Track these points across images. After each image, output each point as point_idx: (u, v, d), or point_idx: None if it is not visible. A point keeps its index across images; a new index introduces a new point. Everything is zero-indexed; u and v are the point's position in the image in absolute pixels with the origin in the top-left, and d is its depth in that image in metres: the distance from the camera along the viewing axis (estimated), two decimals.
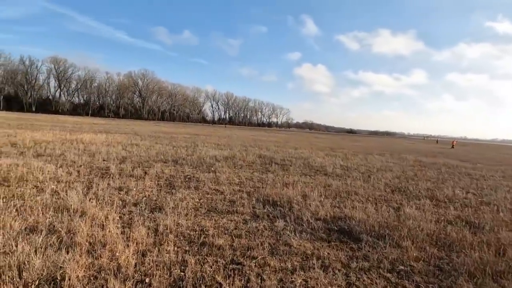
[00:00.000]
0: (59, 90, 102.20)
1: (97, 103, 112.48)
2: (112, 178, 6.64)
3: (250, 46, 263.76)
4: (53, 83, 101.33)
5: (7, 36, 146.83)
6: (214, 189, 6.45)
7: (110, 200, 4.98)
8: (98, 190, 5.49)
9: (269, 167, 10.10)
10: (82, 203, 4.57)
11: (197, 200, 5.53)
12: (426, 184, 8.90)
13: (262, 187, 6.91)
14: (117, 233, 3.54)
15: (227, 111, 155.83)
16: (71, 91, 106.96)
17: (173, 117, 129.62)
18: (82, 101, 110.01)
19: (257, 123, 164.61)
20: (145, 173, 7.56)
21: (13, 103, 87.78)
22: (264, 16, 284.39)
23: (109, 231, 3.54)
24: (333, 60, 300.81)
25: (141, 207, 4.77)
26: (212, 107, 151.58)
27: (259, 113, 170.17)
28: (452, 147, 47.09)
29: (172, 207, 4.86)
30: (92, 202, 4.73)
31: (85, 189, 5.59)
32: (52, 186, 5.55)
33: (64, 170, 7.06)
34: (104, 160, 8.99)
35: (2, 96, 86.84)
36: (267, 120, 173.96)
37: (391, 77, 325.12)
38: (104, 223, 3.87)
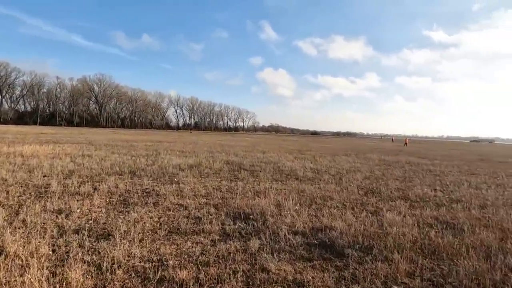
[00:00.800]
0: (0, 97, 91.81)
1: (47, 111, 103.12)
2: (51, 198, 5.55)
3: (213, 50, 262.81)
4: None
5: None
6: (176, 204, 5.67)
7: (43, 229, 4.00)
8: (28, 215, 4.44)
9: (238, 174, 9.48)
10: (1, 237, 3.56)
11: (156, 219, 4.73)
12: (395, 183, 8.91)
13: (232, 198, 6.27)
14: (41, 279, 2.67)
15: (192, 116, 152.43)
16: (15, 98, 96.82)
17: (134, 124, 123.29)
18: (29, 108, 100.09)
19: (224, 128, 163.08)
20: (95, 189, 6.52)
21: None
22: (224, 21, 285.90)
23: (30, 277, 2.67)
24: (293, 64, 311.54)
25: (83, 234, 3.87)
26: (176, 112, 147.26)
27: (225, 117, 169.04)
28: (405, 144, 50.36)
29: (124, 231, 4.03)
30: (16, 233, 3.74)
31: (11, 215, 4.51)
32: None
33: None
34: (45, 176, 7.70)
35: None
36: (234, 124, 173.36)
37: (348, 81, 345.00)
38: (29, 263, 2.97)
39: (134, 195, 6.20)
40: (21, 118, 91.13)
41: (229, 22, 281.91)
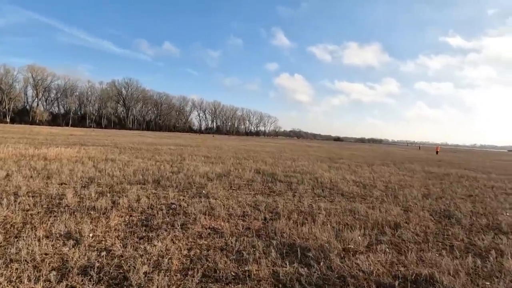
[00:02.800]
0: (36, 99, 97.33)
1: (78, 113, 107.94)
2: (62, 215, 4.63)
3: (229, 57, 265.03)
4: (30, 92, 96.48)
5: None
6: (209, 228, 4.56)
7: (40, 264, 3.02)
8: (27, 243, 3.49)
9: (273, 187, 8.29)
10: None
11: (185, 252, 3.63)
12: (466, 205, 7.30)
13: (275, 220, 5.08)
14: None
15: (215, 120, 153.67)
16: (50, 101, 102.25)
17: (159, 127, 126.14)
18: (62, 111, 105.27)
19: (245, 132, 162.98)
20: (113, 203, 5.57)
21: None
22: (238, 29, 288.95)
23: None
24: (309, 70, 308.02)
25: (90, 277, 2.84)
26: (199, 116, 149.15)
27: (247, 121, 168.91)
28: (437, 153, 47.08)
29: (144, 275, 2.95)
30: (2, 274, 2.77)
31: (8, 240, 3.58)
32: None
33: None
34: (62, 184, 6.92)
35: None
36: (255, 128, 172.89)
37: (366, 86, 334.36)
38: None
39: (158, 212, 5.17)
40: (54, 120, 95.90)
41: (243, 29, 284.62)
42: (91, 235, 3.96)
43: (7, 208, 4.79)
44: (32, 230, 3.96)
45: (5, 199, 5.26)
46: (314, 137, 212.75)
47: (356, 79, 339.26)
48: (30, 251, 3.29)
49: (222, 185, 8.04)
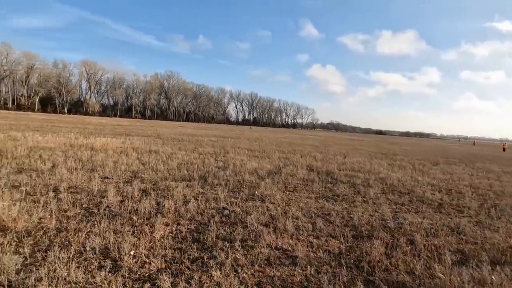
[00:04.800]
0: (89, 92, 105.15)
1: (125, 105, 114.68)
2: (101, 221, 3.88)
3: (258, 49, 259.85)
4: (84, 85, 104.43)
5: (48, 43, 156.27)
6: (277, 248, 3.49)
7: None
8: (53, 267, 2.70)
9: (334, 188, 7.01)
10: None
11: None
12: None
13: (356, 239, 3.86)
14: None
15: (252, 112, 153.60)
16: (101, 93, 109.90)
17: (197, 118, 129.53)
18: (111, 102, 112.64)
19: (282, 124, 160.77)
20: (158, 205, 4.77)
21: (48, 105, 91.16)
22: (266, 21, 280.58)
23: None
24: (340, 61, 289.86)
25: None
26: (236, 108, 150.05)
27: (284, 113, 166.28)
28: (504, 150, 41.30)
29: None
30: None
31: (35, 257, 2.85)
32: None
33: (29, 203, 4.41)
34: (105, 178, 6.36)
35: (37, 98, 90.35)
36: (292, 120, 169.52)
37: (405, 77, 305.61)
38: None
39: (210, 221, 4.24)
40: (104, 111, 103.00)
41: (270, 21, 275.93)
42: (132, 252, 3.11)
43: (44, 208, 4.19)
44: (64, 243, 3.22)
45: (44, 196, 4.72)
46: (354, 130, 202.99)
47: (392, 69, 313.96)
48: (56, 280, 2.49)
49: (275, 185, 6.96)
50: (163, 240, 3.52)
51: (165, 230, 3.80)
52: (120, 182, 6.12)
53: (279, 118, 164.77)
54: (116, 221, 3.95)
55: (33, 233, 3.42)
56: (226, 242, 3.56)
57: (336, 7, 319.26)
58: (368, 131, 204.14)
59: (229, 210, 4.83)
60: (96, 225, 3.73)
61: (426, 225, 4.72)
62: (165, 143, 15.37)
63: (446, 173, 11.05)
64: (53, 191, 5.09)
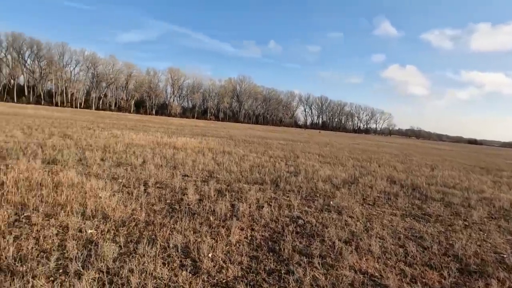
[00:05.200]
0: (172, 95, 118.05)
1: (202, 107, 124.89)
2: (182, 219, 4.07)
3: (328, 51, 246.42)
4: (169, 89, 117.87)
5: (143, 55, 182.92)
6: (361, 272, 3.07)
7: None
8: (142, 260, 2.88)
9: (424, 206, 6.03)
10: None
11: None
12: None
13: (462, 273, 3.13)
14: None
15: (321, 116, 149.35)
16: (182, 97, 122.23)
17: (266, 121, 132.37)
18: (190, 105, 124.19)
19: (353, 129, 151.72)
20: (233, 208, 4.81)
21: (140, 107, 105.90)
22: (338, 22, 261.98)
23: None
24: (423, 60, 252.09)
25: None
26: (305, 111, 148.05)
27: (355, 118, 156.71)
28: None
29: None
30: None
31: (128, 247, 3.10)
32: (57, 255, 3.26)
33: (124, 195, 4.94)
34: (185, 176, 6.81)
35: (133, 101, 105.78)
36: (365, 125, 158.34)
37: (508, 76, 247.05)
38: None
39: (284, 230, 4.05)
40: (184, 113, 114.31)
41: (342, 22, 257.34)
42: (210, 255, 3.12)
43: (136, 201, 4.63)
44: (151, 237, 3.45)
45: (136, 189, 5.25)
46: (439, 137, 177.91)
47: (490, 67, 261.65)
48: (144, 274, 2.63)
49: (352, 196, 6.37)
50: (239, 245, 3.47)
51: (240, 235, 3.76)
52: (198, 181, 6.46)
53: (350, 123, 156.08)
54: (196, 220, 4.09)
55: (127, 223, 3.77)
56: (304, 256, 3.31)
57: (419, 1, 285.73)
58: (458, 140, 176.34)
59: (303, 220, 4.56)
60: (178, 222, 3.93)
61: None
62: (237, 145, 15.94)
63: None
64: (143, 185, 5.64)
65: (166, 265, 2.82)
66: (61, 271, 2.60)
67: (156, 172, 6.87)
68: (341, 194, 6.35)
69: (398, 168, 12.00)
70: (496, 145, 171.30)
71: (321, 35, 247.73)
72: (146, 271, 2.66)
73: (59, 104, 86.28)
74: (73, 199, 4.30)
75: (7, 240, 2.92)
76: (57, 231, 3.34)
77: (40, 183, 4.97)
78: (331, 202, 5.72)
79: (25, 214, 3.71)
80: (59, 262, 2.71)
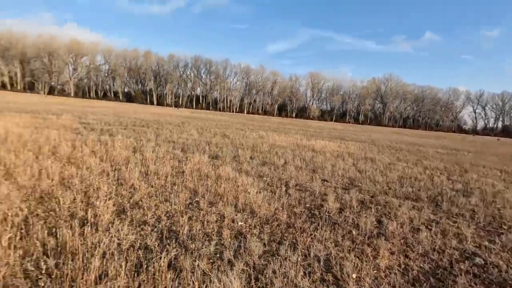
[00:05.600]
0: (312, 99, 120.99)
1: (341, 110, 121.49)
2: (323, 226, 3.88)
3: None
4: (308, 93, 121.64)
5: (288, 62, 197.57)
6: None
7: None
8: (282, 256, 2.88)
9: None
10: None
11: None
12: None
13: None
14: None
15: (500, 118, 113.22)
16: (321, 99, 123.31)
17: (417, 124, 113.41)
18: (328, 108, 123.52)
19: None
20: (380, 224, 4.19)
21: (282, 110, 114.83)
22: None
23: None
24: None
25: None
26: (474, 112, 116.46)
27: None
28: None
29: None
30: None
31: (267, 247, 3.19)
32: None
33: (268, 193, 5.25)
34: (324, 181, 6.62)
35: (276, 106, 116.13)
36: None
37: None
38: None
39: (453, 266, 3.14)
40: (322, 115, 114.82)
41: None
42: (354, 276, 2.78)
43: (278, 201, 4.83)
44: (292, 240, 3.44)
45: (278, 189, 5.51)
46: None
47: None
48: (286, 279, 2.61)
49: None
50: (390, 272, 2.93)
51: (390, 259, 3.19)
52: (338, 188, 6.12)
53: None
54: (337, 231, 3.81)
55: (270, 221, 3.96)
56: None
57: None
58: None
59: (483, 259, 3.39)
60: (318, 230, 3.77)
61: None
62: (381, 151, 14.30)
63: None
64: (284, 186, 5.87)
65: (307, 276, 2.71)
66: (218, 255, 2.96)
67: (296, 174, 7.03)
68: None
69: None
70: None
71: (502, 15, 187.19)
72: (288, 277, 2.63)
73: (221, 109, 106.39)
74: (228, 192, 4.96)
75: (184, 220, 3.63)
76: (216, 218, 3.89)
77: (206, 175, 6.05)
78: None
79: (195, 199, 4.56)
80: (217, 248, 3.12)
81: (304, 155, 10.09)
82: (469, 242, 3.84)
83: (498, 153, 20.40)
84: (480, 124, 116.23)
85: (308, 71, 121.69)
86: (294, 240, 3.44)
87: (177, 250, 2.93)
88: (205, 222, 3.71)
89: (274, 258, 2.98)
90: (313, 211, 4.56)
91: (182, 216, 3.76)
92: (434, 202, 5.67)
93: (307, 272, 2.78)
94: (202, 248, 3.03)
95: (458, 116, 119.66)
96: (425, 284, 2.78)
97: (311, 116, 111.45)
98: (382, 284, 2.71)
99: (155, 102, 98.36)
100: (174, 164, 6.70)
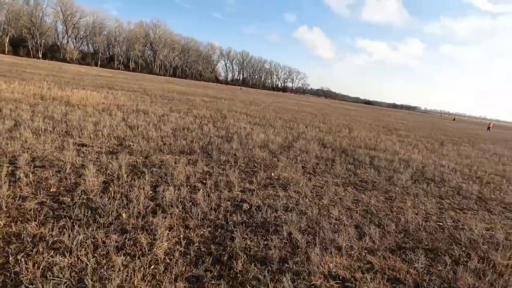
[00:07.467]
0: (66, 36, 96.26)
1: (107, 54, 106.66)
2: (71, 229, 2.65)
3: (246, 2, 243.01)
4: (60, 28, 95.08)
5: None
6: (331, 277, 2.46)
7: None
8: None
9: (358, 172, 6.01)
10: None
11: None
12: None
13: (430, 259, 2.89)
14: None
15: (241, 72, 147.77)
16: (79, 38, 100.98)
17: (185, 74, 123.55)
18: (91, 50, 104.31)
19: (272, 87, 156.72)
20: (156, 193, 3.56)
21: (20, 47, 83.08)
22: None
23: None
24: (327, 24, 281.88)
25: None
26: (225, 66, 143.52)
27: (274, 76, 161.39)
28: (488, 129, 40.50)
29: None
30: None
31: None
32: None
33: None
34: (82, 147, 5.00)
35: (7, 39, 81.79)
36: (282, 84, 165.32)
37: (389, 46, 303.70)
38: None
39: (228, 221, 3.12)
40: (84, 59, 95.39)
41: None
42: None
43: None
44: None
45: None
46: (343, 98, 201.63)
47: (377, 37, 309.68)
48: None
49: (292, 165, 5.84)
50: (170, 260, 2.38)
51: (169, 240, 2.65)
52: (102, 153, 4.80)
53: (269, 80, 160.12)
54: (98, 221, 2.73)
55: None
56: (260, 264, 2.48)
57: None
58: (356, 100, 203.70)
59: (249, 204, 3.71)
60: (65, 229, 2.52)
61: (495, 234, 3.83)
62: (154, 101, 13.69)
63: (463, 156, 10.32)
64: (10, 163, 3.74)
65: None
66: None
67: (36, 142, 4.82)
68: (279, 161, 5.73)
69: (322, 129, 12.33)
70: (384, 105, 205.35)
71: None
72: None
73: None
74: None
75: None
76: None
77: None
78: (272, 174, 5.04)
79: None
80: None
81: (52, 112, 7.40)
82: (236, 189, 4.12)
83: (243, 100, 26.18)
84: (230, 76, 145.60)
85: None
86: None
87: None
88: None
89: None
90: (62, 198, 3.13)
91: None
92: (206, 152, 5.86)
93: None
94: None
95: (215, 68, 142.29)
96: (207, 257, 2.49)
97: (67, 58, 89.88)
98: (163, 278, 2.10)
99: None
100: None
